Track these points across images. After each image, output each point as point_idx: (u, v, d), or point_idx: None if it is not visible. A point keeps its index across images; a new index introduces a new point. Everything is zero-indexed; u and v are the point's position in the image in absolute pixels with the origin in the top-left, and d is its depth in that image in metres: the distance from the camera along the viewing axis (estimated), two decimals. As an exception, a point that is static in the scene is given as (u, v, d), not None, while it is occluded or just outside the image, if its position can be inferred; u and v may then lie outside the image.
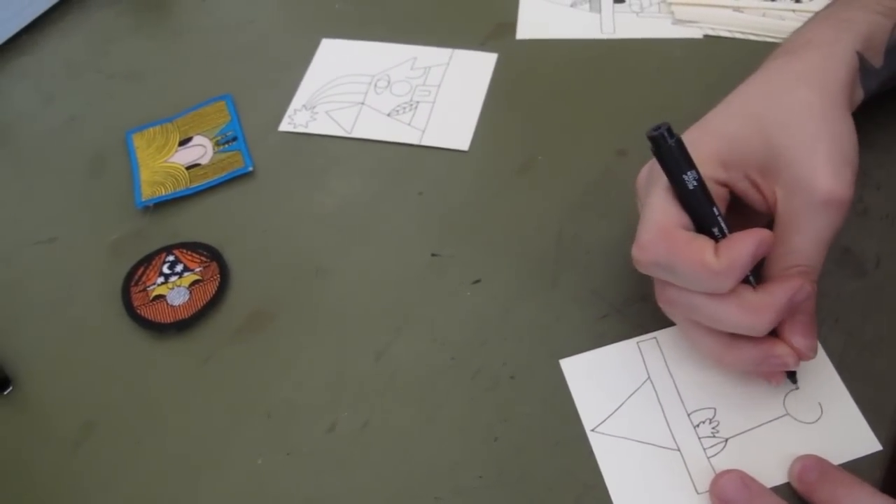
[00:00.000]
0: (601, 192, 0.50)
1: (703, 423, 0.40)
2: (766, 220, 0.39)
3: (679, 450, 0.39)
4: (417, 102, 0.56)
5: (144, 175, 0.54)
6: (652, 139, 0.36)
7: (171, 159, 0.55)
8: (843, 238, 0.45)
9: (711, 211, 0.36)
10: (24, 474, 0.43)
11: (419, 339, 0.45)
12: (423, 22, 0.62)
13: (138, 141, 0.57)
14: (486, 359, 0.44)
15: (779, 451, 0.39)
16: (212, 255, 0.50)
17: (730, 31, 0.57)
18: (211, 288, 0.48)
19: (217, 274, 0.49)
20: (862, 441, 0.39)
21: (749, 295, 0.35)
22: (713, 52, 0.56)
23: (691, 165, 0.36)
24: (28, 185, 0.56)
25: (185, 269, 0.49)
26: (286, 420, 0.43)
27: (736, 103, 0.40)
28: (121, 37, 0.65)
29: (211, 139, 0.56)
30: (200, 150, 0.56)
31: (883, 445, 0.38)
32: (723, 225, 0.36)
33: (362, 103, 0.57)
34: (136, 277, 0.49)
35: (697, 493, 0.38)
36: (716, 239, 0.36)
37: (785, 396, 0.40)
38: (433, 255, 0.48)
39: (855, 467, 0.38)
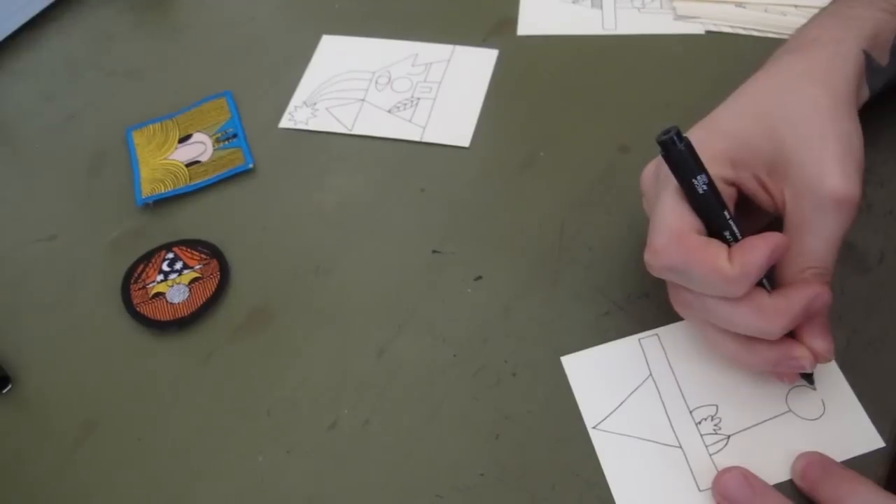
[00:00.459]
0: (603, 188, 0.50)
1: (706, 419, 0.40)
2: (773, 218, 0.39)
3: (681, 447, 0.39)
4: (418, 99, 0.56)
5: (144, 172, 0.54)
6: (662, 143, 0.35)
7: (171, 156, 0.55)
8: (847, 234, 0.45)
9: (723, 214, 0.36)
10: (24, 473, 0.43)
11: (420, 337, 0.45)
12: (424, 18, 0.62)
13: (138, 138, 0.57)
14: (488, 356, 0.44)
15: (781, 448, 0.38)
16: (212, 252, 0.50)
17: (731, 26, 0.57)
18: (211, 285, 0.48)
19: (217, 271, 0.49)
20: (865, 438, 0.39)
21: (764, 299, 0.35)
22: (715, 47, 0.56)
23: (702, 169, 0.35)
24: (28, 183, 0.56)
25: (185, 266, 0.49)
26: (287, 418, 0.43)
27: (744, 101, 0.39)
28: (121, 34, 0.65)
29: (211, 136, 0.56)
30: (200, 147, 0.55)
31: (886, 442, 0.38)
32: (734, 228, 0.36)
33: (363, 100, 0.57)
34: (136, 275, 0.49)
35: (700, 491, 0.38)
36: (727, 242, 0.36)
37: (787, 393, 0.40)
38: (434, 251, 0.48)
39: (858, 464, 0.37)
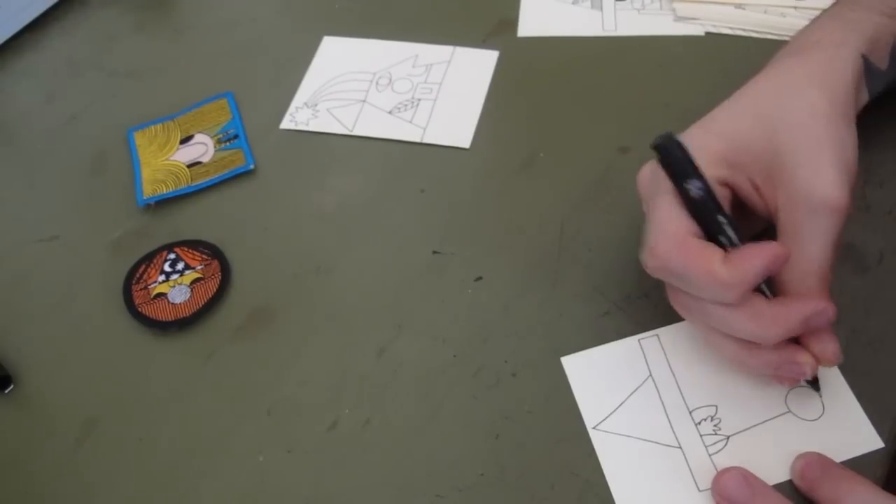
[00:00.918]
0: (603, 189, 0.50)
1: (705, 420, 0.40)
2: (768, 224, 0.39)
3: (681, 447, 0.39)
4: (419, 100, 0.56)
5: (146, 173, 0.54)
6: (657, 148, 0.36)
7: (173, 157, 0.55)
8: (846, 234, 0.44)
9: (718, 219, 0.36)
10: (26, 472, 0.43)
11: (421, 337, 0.45)
12: (424, 19, 0.62)
13: (140, 139, 0.57)
14: (488, 356, 0.44)
15: (781, 448, 0.39)
16: (213, 253, 0.50)
17: (731, 28, 0.57)
18: (212, 286, 0.48)
19: (218, 272, 0.49)
20: (864, 438, 0.39)
21: (761, 305, 0.35)
22: (715, 49, 0.56)
23: (697, 173, 0.36)
24: (30, 184, 0.57)
25: (187, 267, 0.49)
26: (287, 418, 0.43)
27: (743, 102, 0.40)
28: (122, 35, 0.65)
29: (212, 137, 0.56)
30: (202, 147, 0.56)
31: (885, 443, 0.38)
32: (730, 233, 0.36)
33: (364, 101, 0.57)
34: (138, 275, 0.49)
35: (699, 491, 0.38)
36: (723, 246, 0.36)
37: (787, 394, 0.40)
38: (434, 252, 0.48)
39: (857, 465, 0.37)
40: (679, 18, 0.58)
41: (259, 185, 0.54)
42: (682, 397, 0.41)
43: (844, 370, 0.40)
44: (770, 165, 0.37)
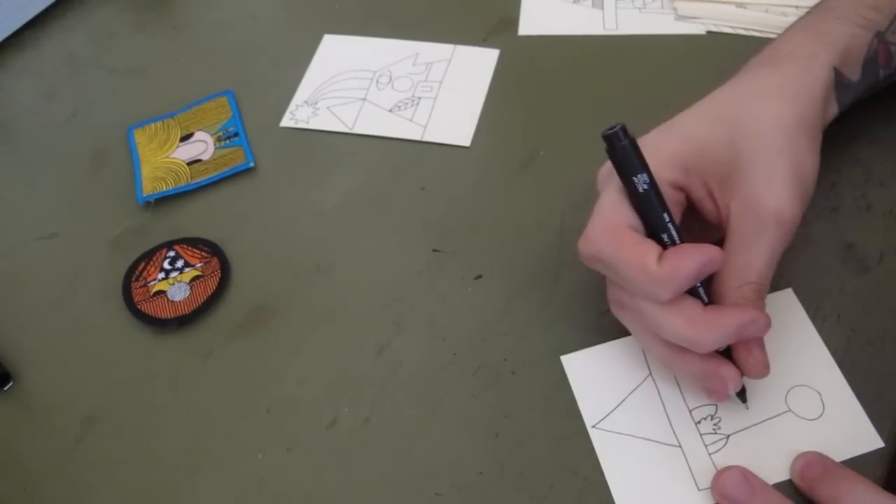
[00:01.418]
0: (603, 188, 0.50)
1: (705, 419, 0.40)
2: (720, 236, 0.39)
3: (680, 446, 0.39)
4: (419, 98, 0.56)
5: (146, 171, 0.54)
6: (606, 138, 0.36)
7: (173, 155, 0.55)
8: (846, 234, 0.45)
9: (661, 216, 0.36)
10: (25, 470, 0.43)
11: (420, 335, 0.45)
12: (425, 18, 0.62)
13: (140, 137, 0.57)
14: (488, 354, 0.44)
15: (781, 447, 0.38)
16: (213, 250, 0.50)
17: (732, 27, 0.57)
18: (212, 283, 0.48)
19: (218, 269, 0.49)
20: (864, 438, 0.39)
21: (696, 310, 0.35)
22: (716, 48, 0.56)
23: (644, 168, 0.36)
24: (29, 181, 0.56)
25: (186, 264, 0.49)
26: (287, 415, 0.43)
27: (709, 107, 0.40)
28: (123, 33, 0.65)
29: (212, 135, 0.56)
30: (202, 145, 0.56)
31: (885, 442, 0.38)
32: (672, 231, 0.36)
33: (364, 99, 0.57)
34: (137, 273, 0.49)
35: (699, 490, 0.38)
36: (664, 245, 0.36)
37: (787, 393, 0.40)
38: (434, 250, 0.48)
39: (857, 464, 0.37)
40: (680, 17, 0.58)
41: (259, 183, 0.54)
42: (682, 396, 0.41)
43: (844, 369, 0.40)
44: (727, 172, 0.37)
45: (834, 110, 0.42)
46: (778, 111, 0.38)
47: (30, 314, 0.49)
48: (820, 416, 0.39)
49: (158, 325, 0.47)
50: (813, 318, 0.42)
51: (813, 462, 0.37)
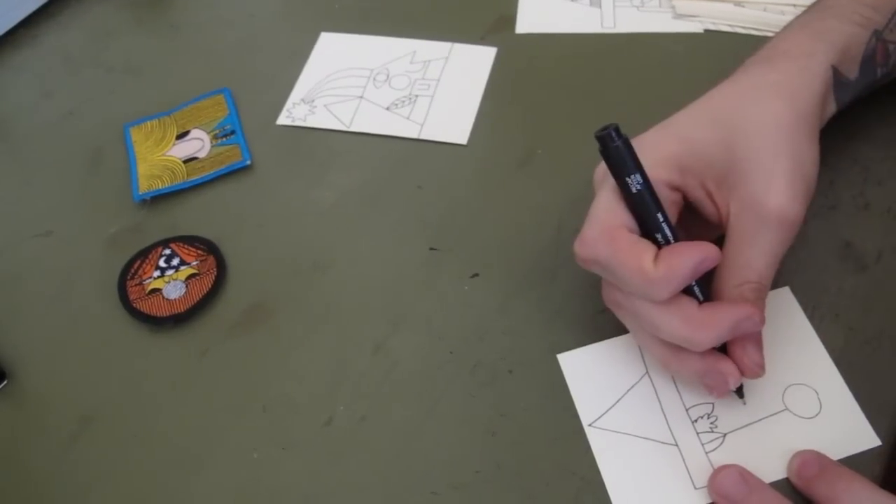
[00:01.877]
0: (600, 186, 0.49)
1: (702, 418, 0.40)
2: (720, 233, 0.39)
3: (677, 445, 0.39)
4: (416, 96, 0.56)
5: (142, 168, 0.54)
6: (599, 139, 0.36)
7: (169, 153, 0.55)
8: (844, 232, 0.45)
9: (655, 216, 0.36)
10: (21, 468, 0.43)
11: (417, 334, 0.45)
12: (422, 16, 0.62)
13: (136, 134, 0.57)
14: (484, 353, 0.44)
15: (777, 446, 0.38)
16: (209, 248, 0.50)
17: (731, 25, 0.56)
18: (208, 282, 0.48)
19: (214, 268, 0.49)
20: (861, 436, 0.38)
21: (692, 309, 0.35)
22: (714, 46, 0.56)
23: (638, 168, 0.36)
24: (26, 179, 0.56)
25: (182, 262, 0.49)
26: (283, 414, 0.43)
27: (706, 107, 0.39)
28: (119, 30, 0.65)
29: (209, 133, 0.56)
30: (198, 143, 0.55)
31: (882, 441, 0.38)
32: (667, 231, 0.36)
33: (361, 97, 0.57)
34: (133, 271, 0.49)
35: (695, 489, 0.38)
36: (659, 245, 0.36)
37: (784, 391, 0.40)
38: (431, 249, 0.48)
39: (854, 463, 0.37)
40: (678, 16, 0.58)
41: (255, 181, 0.53)
42: (679, 395, 0.41)
43: (842, 368, 0.40)
44: (725, 172, 0.37)
45: (832, 109, 0.42)
46: (776, 110, 0.37)
47: (25, 312, 0.49)
48: (817, 415, 0.39)
49: (154, 323, 0.47)
50: (810, 316, 0.42)
51: (810, 460, 0.37)
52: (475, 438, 0.41)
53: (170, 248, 0.50)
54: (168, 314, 0.47)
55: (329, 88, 0.58)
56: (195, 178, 0.53)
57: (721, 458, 0.38)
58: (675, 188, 0.38)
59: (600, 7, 0.60)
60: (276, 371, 0.44)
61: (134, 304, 0.47)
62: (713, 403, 0.40)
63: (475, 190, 0.51)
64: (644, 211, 0.36)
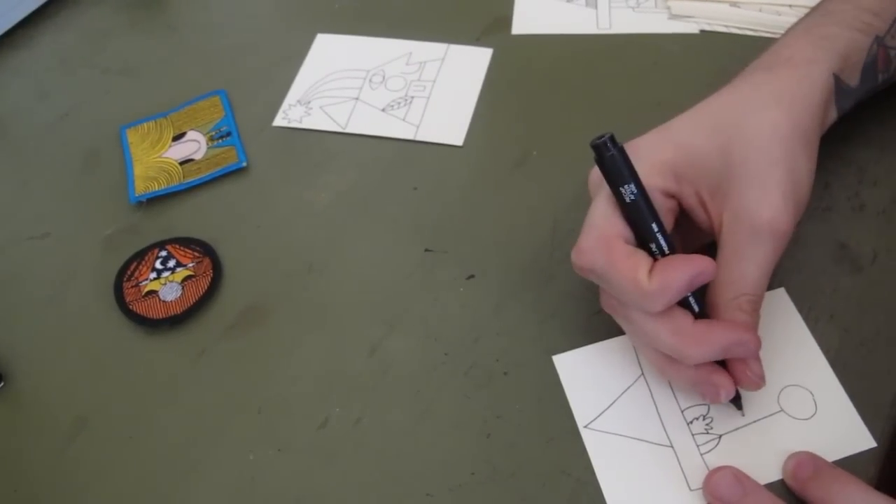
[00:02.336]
0: (596, 187, 0.49)
1: (697, 419, 0.40)
2: (712, 239, 0.39)
3: (672, 446, 0.39)
4: (412, 98, 0.56)
5: (138, 170, 0.54)
6: (594, 147, 0.36)
7: (165, 154, 0.55)
8: (840, 234, 0.45)
9: (650, 226, 0.36)
10: (17, 470, 0.43)
11: (412, 335, 0.45)
12: (418, 17, 0.62)
13: (132, 136, 0.57)
14: (480, 355, 0.44)
15: (773, 447, 0.38)
16: (205, 250, 0.50)
17: (726, 26, 0.56)
18: (204, 283, 0.48)
19: (210, 269, 0.49)
20: (857, 438, 0.38)
21: (685, 322, 0.35)
22: (709, 47, 0.56)
23: (633, 177, 0.35)
24: (22, 181, 0.56)
25: (178, 264, 0.49)
26: (278, 416, 0.43)
27: (705, 113, 0.39)
28: (115, 32, 0.65)
29: (205, 134, 0.56)
30: (194, 145, 0.55)
31: (878, 442, 0.38)
32: (661, 241, 0.36)
33: (357, 98, 0.57)
34: (129, 273, 0.49)
35: (690, 490, 0.38)
36: (653, 255, 0.36)
37: (779, 393, 0.40)
38: (427, 250, 0.48)
39: (849, 464, 0.37)
40: (674, 16, 0.58)
41: (251, 182, 0.53)
42: (674, 396, 0.41)
43: (837, 369, 0.40)
44: (719, 181, 0.37)
45: (833, 116, 0.41)
46: (775, 120, 0.37)
47: (21, 314, 0.49)
48: (812, 416, 0.39)
49: (150, 325, 0.47)
50: (806, 317, 0.42)
51: (805, 462, 0.37)
52: (470, 440, 0.41)
53: (166, 249, 0.50)
54: (164, 316, 0.47)
55: (325, 90, 0.58)
56: (191, 179, 0.53)
57: (716, 459, 0.38)
58: (671, 195, 0.38)
59: (596, 8, 0.60)
60: (272, 373, 0.44)
61: (130, 306, 0.47)
62: (708, 405, 0.40)
63: (471, 191, 0.51)
64: (639, 220, 0.36)
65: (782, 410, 0.40)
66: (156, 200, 0.53)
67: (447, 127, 0.54)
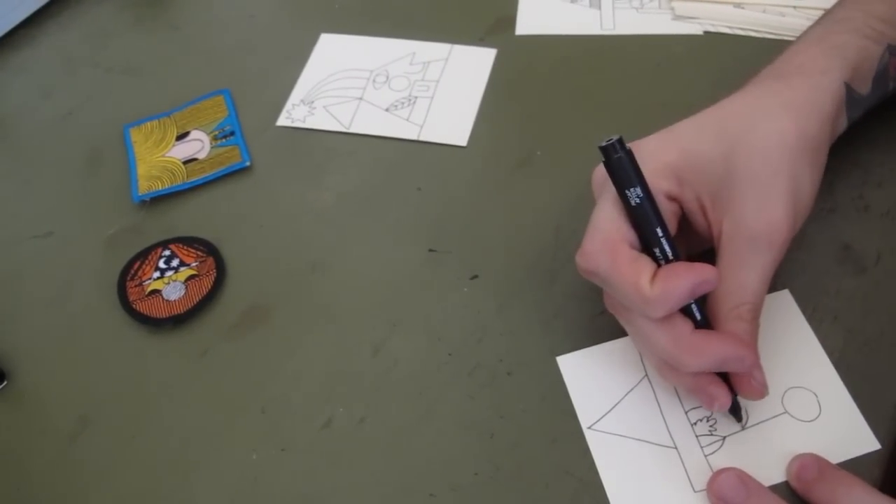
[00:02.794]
0: (600, 188, 0.49)
1: (701, 420, 0.40)
2: (709, 244, 0.39)
3: (676, 448, 0.39)
4: (416, 98, 0.56)
5: (141, 169, 0.54)
6: (602, 150, 0.36)
7: (169, 154, 0.55)
8: (843, 235, 0.45)
9: (655, 230, 0.36)
10: (20, 468, 0.43)
11: (416, 335, 0.45)
12: (422, 17, 0.62)
13: (136, 135, 0.57)
14: (483, 355, 0.43)
15: (777, 449, 0.38)
16: (208, 249, 0.50)
17: (730, 27, 0.56)
18: (207, 283, 0.48)
19: (213, 269, 0.49)
20: (860, 440, 0.38)
21: (685, 331, 0.36)
22: (713, 48, 0.56)
23: (639, 181, 0.35)
24: (25, 180, 0.56)
25: (182, 263, 0.49)
26: (281, 415, 0.43)
27: (712, 118, 0.39)
28: (119, 31, 0.65)
29: (208, 134, 0.56)
30: (198, 144, 0.55)
31: (882, 444, 0.38)
32: (666, 247, 0.36)
33: (360, 98, 0.57)
34: (132, 272, 0.49)
35: (694, 492, 0.38)
36: (657, 260, 0.36)
37: (783, 394, 0.40)
38: (430, 250, 0.48)
39: (853, 466, 0.37)
40: (677, 17, 0.58)
41: (255, 182, 0.53)
42: (678, 397, 0.41)
43: (841, 371, 0.40)
44: (721, 187, 0.37)
45: (843, 125, 0.41)
46: (783, 129, 0.37)
47: (24, 313, 0.49)
48: (816, 418, 0.39)
49: (153, 324, 0.47)
50: (809, 319, 0.42)
51: (809, 464, 0.37)
52: (474, 440, 0.41)
53: (169, 249, 0.50)
54: (167, 315, 0.47)
55: (328, 90, 0.58)
56: (195, 179, 0.53)
57: (720, 461, 0.38)
58: (674, 199, 0.38)
59: (600, 9, 0.60)
60: (275, 372, 0.44)
61: (133, 305, 0.47)
62: (712, 406, 0.40)
63: (474, 191, 0.51)
64: (644, 225, 0.36)
65: (786, 412, 0.39)
66: (159, 200, 0.53)
67: (451, 127, 0.54)
